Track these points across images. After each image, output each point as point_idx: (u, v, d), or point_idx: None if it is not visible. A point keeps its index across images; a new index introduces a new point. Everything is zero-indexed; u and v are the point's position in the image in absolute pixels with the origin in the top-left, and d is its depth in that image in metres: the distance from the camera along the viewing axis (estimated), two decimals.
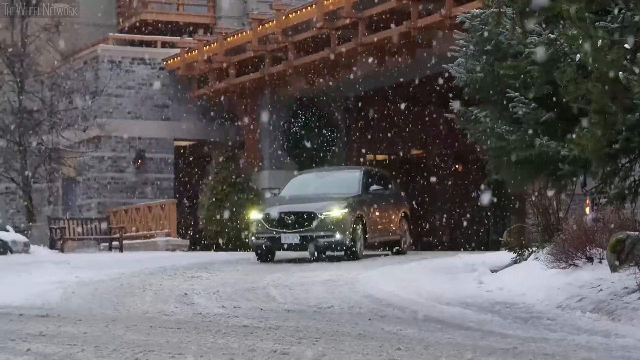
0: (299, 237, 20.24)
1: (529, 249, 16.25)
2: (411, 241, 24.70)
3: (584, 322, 10.30)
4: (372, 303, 12.25)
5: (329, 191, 21.55)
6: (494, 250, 22.06)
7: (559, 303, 11.56)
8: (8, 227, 29.43)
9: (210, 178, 31.69)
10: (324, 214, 20.32)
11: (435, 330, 9.40)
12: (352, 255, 20.45)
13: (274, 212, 20.63)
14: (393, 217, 22.77)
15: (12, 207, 39.00)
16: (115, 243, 31.70)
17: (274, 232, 20.42)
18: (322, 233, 20.22)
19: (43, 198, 36.10)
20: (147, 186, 34.80)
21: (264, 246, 20.68)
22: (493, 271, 15.74)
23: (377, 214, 21.83)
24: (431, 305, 12.03)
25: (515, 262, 16.35)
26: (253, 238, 20.81)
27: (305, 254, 20.80)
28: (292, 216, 20.44)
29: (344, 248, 20.42)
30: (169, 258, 22.74)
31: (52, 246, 30.55)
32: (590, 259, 12.97)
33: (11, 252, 25.59)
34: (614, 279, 11.55)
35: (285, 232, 20.33)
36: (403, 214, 23.30)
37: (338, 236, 20.21)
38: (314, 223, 20.23)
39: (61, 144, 33.94)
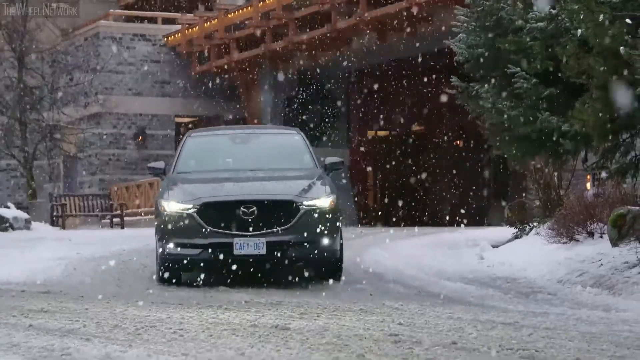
0: (265, 245, 11.41)
1: (530, 224, 16.28)
2: None
3: (585, 297, 10.33)
4: (373, 278, 12.26)
5: (270, 165, 12.96)
6: (495, 226, 22.07)
7: (559, 278, 11.58)
8: (9, 203, 29.41)
9: None
10: (306, 203, 11.64)
11: (436, 305, 9.41)
12: (337, 272, 12.10)
13: (220, 200, 11.73)
14: None
15: (13, 184, 39.02)
16: (116, 219, 31.73)
17: (223, 236, 11.49)
18: (304, 236, 11.49)
19: (44, 175, 36.08)
20: (148, 163, 34.76)
21: (192, 260, 11.69)
22: (494, 246, 15.77)
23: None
24: (433, 280, 12.05)
25: (516, 237, 16.39)
26: (171, 245, 11.68)
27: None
28: (254, 208, 11.49)
29: (332, 260, 11.89)
30: None
31: (53, 223, 30.55)
32: (591, 234, 12.99)
33: (12, 228, 25.54)
34: (614, 253, 11.56)
35: (241, 236, 11.45)
36: None
37: (326, 241, 11.62)
38: (293, 219, 11.53)
39: (62, 120, 33.91)
